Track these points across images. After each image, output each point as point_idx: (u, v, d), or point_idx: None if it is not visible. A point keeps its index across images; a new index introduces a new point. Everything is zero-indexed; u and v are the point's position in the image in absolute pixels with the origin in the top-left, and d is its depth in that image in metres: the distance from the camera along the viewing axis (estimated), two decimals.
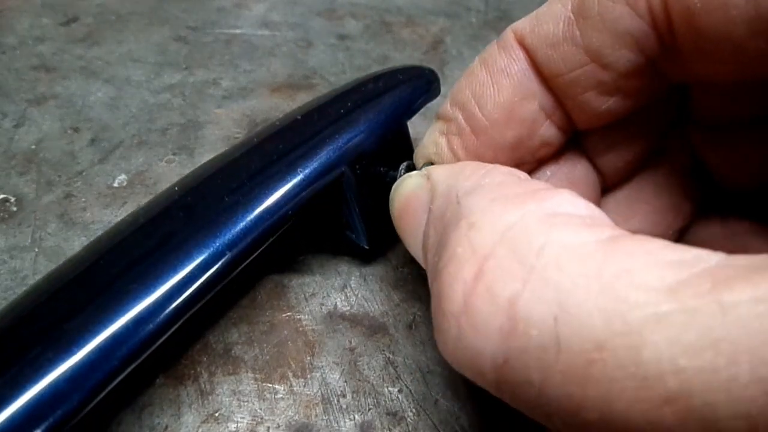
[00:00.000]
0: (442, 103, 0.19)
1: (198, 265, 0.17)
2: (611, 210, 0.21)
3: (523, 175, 0.15)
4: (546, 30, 0.16)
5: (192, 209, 0.19)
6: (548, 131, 0.18)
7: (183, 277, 0.17)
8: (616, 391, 0.10)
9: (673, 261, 0.10)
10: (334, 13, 0.42)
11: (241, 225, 0.18)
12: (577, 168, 0.20)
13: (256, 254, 0.19)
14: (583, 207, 0.13)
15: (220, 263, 0.18)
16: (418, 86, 0.23)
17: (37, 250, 0.24)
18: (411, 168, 0.20)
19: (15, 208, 0.26)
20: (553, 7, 0.16)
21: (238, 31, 0.40)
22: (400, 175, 0.20)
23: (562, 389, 0.10)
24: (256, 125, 0.31)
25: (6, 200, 0.26)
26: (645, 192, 0.20)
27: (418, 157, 0.20)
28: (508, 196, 0.13)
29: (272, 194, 0.19)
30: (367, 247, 0.23)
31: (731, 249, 0.19)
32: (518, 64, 0.17)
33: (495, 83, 0.17)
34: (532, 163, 0.19)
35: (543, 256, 0.11)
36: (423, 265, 0.17)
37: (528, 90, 0.17)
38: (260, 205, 0.19)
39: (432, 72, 0.24)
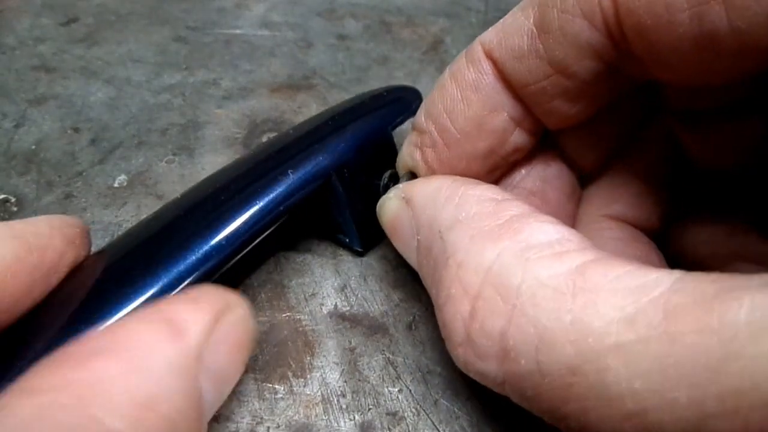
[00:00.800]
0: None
1: (205, 253, 0.19)
2: (594, 197, 0.21)
3: (498, 193, 0.16)
4: (512, 43, 0.17)
5: (201, 207, 0.20)
6: (519, 138, 0.19)
7: (195, 261, 0.18)
8: (589, 407, 0.11)
9: (632, 288, 0.12)
10: (334, 13, 0.42)
11: (244, 216, 0.20)
12: (550, 166, 0.21)
13: (255, 243, 0.21)
14: (553, 232, 0.14)
15: (225, 251, 0.19)
16: (401, 104, 0.25)
17: None
18: (394, 176, 0.22)
19: (15, 208, 0.26)
20: (517, 19, 0.17)
21: (238, 31, 0.40)
22: (384, 183, 0.22)
23: (550, 403, 0.12)
24: (256, 125, 0.31)
25: (6, 200, 0.26)
26: (625, 178, 0.21)
27: (399, 166, 0.21)
28: (485, 231, 0.15)
29: (269, 194, 0.21)
30: (360, 250, 0.24)
31: (721, 246, 0.19)
32: (486, 78, 0.17)
33: (464, 98, 0.18)
34: (505, 167, 0.20)
35: (521, 294, 0.13)
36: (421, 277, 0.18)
37: (496, 102, 0.18)
38: (260, 201, 0.20)
39: (415, 91, 0.27)
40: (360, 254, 0.24)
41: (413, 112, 0.25)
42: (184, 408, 0.12)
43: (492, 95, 0.18)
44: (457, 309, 0.14)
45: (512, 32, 0.17)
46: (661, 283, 0.11)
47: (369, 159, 0.23)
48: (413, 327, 0.22)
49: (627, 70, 0.16)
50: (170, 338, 0.12)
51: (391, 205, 0.19)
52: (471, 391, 0.20)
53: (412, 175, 0.21)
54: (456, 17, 0.42)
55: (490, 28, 0.18)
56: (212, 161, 0.29)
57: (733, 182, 0.20)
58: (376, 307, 0.22)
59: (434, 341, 0.21)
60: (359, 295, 0.23)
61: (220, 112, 0.32)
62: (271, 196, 0.20)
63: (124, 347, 0.12)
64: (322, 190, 0.22)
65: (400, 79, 0.36)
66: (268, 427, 0.19)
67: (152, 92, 0.34)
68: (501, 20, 0.17)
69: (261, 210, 0.20)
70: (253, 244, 0.20)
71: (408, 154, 0.20)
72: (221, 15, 0.41)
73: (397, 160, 0.21)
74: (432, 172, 0.19)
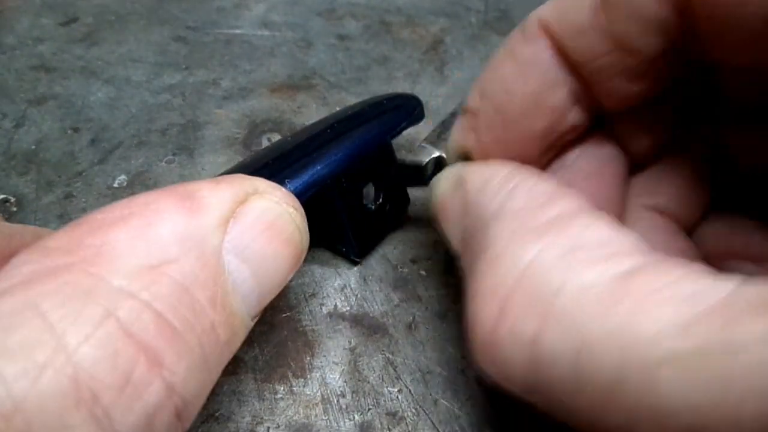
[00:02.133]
0: (427, 126, 0.19)
1: None
2: (639, 187, 0.21)
3: (549, 187, 0.15)
4: (572, 18, 0.16)
5: None
6: (576, 116, 0.18)
7: None
8: (635, 420, 0.10)
9: (686, 295, 0.11)
10: (334, 13, 0.42)
11: None
12: (604, 148, 0.20)
13: None
14: (605, 231, 0.13)
15: None
16: (400, 113, 0.25)
17: None
18: (440, 161, 0.21)
19: (15, 209, 0.26)
20: None
21: (238, 31, 0.40)
22: (429, 169, 0.21)
23: (588, 413, 0.11)
24: (256, 125, 0.31)
25: (6, 200, 0.26)
26: (672, 173, 0.20)
27: (449, 152, 0.20)
28: (528, 228, 0.14)
29: None
30: (357, 260, 0.24)
31: (742, 244, 0.19)
32: (544, 54, 0.17)
33: (522, 74, 0.17)
34: (559, 148, 0.19)
35: (561, 295, 0.12)
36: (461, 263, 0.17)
37: (555, 78, 0.17)
38: None
39: (415, 98, 0.26)
40: (356, 263, 0.24)
41: (414, 121, 0.25)
42: (200, 275, 0.12)
43: (551, 70, 0.17)
44: (485, 306, 0.13)
45: (572, 6, 0.16)
46: (718, 290, 0.10)
47: (367, 168, 0.23)
48: (413, 327, 0.22)
49: (689, 51, 0.15)
50: (184, 209, 0.13)
51: (445, 185, 0.19)
52: (471, 391, 0.20)
53: (464, 160, 0.20)
54: (456, 17, 0.42)
55: (545, 4, 0.17)
56: (212, 161, 0.29)
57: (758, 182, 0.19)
58: (376, 307, 0.22)
59: (434, 341, 0.21)
60: (359, 296, 0.23)
61: (220, 112, 0.32)
62: None
63: (137, 216, 0.12)
64: (319, 199, 0.22)
65: (400, 79, 0.36)
66: (268, 427, 0.19)
67: (152, 92, 0.34)
68: None
69: None
70: None
71: (460, 138, 0.19)
72: (221, 15, 0.41)
73: (447, 146, 0.20)
74: (486, 154, 0.19)
